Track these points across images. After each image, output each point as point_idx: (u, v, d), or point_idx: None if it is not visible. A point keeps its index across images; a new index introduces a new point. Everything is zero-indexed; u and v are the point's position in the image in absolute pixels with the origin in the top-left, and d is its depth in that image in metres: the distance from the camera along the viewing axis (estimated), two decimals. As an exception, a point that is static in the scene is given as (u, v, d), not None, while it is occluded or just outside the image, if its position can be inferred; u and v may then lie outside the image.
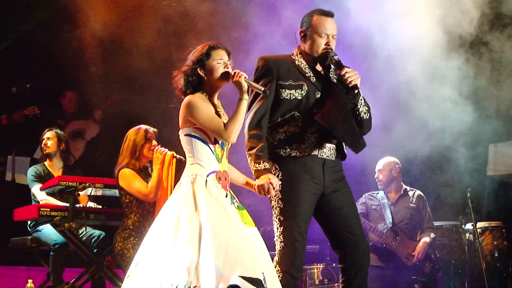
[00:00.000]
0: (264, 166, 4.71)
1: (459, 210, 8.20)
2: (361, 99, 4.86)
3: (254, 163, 4.74)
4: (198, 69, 4.57)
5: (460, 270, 7.86)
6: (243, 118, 4.55)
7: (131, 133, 6.35)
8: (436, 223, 8.03)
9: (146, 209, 6.15)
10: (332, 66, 4.94)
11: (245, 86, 4.54)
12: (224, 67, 4.59)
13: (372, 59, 7.87)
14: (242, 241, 4.31)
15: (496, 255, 7.89)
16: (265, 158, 4.74)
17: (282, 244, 4.77)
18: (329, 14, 4.92)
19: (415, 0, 7.72)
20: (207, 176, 4.44)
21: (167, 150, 5.95)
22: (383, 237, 7.61)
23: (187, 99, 4.51)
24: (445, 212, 8.58)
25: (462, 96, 8.36)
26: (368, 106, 4.90)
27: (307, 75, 4.90)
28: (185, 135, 4.52)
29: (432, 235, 7.74)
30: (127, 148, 6.30)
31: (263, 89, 4.68)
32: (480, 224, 7.97)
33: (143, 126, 6.36)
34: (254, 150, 4.76)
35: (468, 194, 7.82)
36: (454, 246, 7.97)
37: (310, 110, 4.83)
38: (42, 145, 7.54)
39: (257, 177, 4.72)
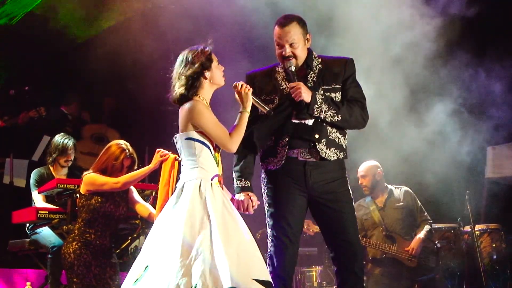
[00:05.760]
0: (245, 183, 4.88)
1: (458, 213, 8.17)
2: (319, 107, 4.79)
3: (237, 179, 4.90)
4: (205, 72, 4.60)
5: (458, 272, 7.86)
6: (244, 130, 4.62)
7: (114, 150, 6.26)
8: (435, 226, 8.04)
9: (94, 217, 6.14)
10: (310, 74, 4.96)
11: (250, 100, 4.63)
12: (222, 71, 4.69)
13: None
14: (251, 244, 4.39)
15: (495, 257, 7.91)
16: (248, 175, 4.89)
17: (270, 246, 4.87)
18: (279, 23, 4.90)
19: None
20: (211, 180, 4.49)
21: (170, 153, 5.87)
22: (380, 248, 7.65)
23: (191, 103, 4.53)
24: (443, 214, 8.58)
25: (460, 98, 8.40)
26: (335, 109, 4.82)
27: (281, 87, 4.92)
28: (186, 138, 4.54)
29: (427, 227, 7.76)
30: (104, 163, 6.23)
31: (267, 109, 4.75)
32: (478, 227, 7.99)
33: (126, 151, 6.26)
34: (238, 167, 4.91)
35: (467, 197, 7.83)
36: (452, 249, 7.99)
37: (280, 123, 4.88)
38: (68, 160, 7.50)
39: (238, 193, 4.85)
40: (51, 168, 7.54)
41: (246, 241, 4.38)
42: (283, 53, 4.87)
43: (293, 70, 4.85)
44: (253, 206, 4.81)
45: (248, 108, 4.64)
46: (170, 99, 4.69)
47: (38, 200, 7.17)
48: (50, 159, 7.50)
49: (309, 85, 4.87)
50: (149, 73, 8.88)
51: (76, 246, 6.08)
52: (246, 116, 4.62)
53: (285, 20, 4.89)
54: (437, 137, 8.68)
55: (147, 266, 4.31)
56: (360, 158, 8.00)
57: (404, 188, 7.98)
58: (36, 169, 7.59)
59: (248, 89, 4.65)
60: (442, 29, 8.31)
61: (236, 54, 8.33)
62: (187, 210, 4.36)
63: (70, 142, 7.51)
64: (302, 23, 4.93)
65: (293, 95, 4.77)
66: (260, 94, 4.90)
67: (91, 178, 6.14)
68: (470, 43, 8.58)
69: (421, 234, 7.70)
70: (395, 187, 8.01)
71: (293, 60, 4.86)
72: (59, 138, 7.53)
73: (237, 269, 4.19)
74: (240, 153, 4.87)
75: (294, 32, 4.86)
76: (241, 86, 4.66)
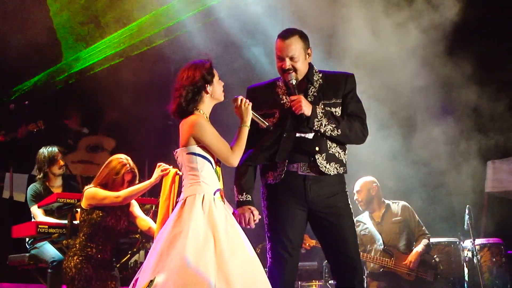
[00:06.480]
0: (246, 197, 4.86)
1: (458, 227, 8.18)
2: (319, 121, 4.79)
3: (238, 194, 4.88)
4: (207, 86, 4.60)
5: (458, 287, 7.80)
6: (245, 143, 4.62)
7: (115, 165, 6.26)
8: (435, 240, 8.01)
9: (95, 231, 6.14)
10: (310, 88, 4.94)
11: (250, 114, 4.63)
12: (222, 87, 4.70)
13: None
14: (255, 259, 4.40)
15: (495, 272, 7.83)
16: (249, 189, 4.88)
17: (270, 260, 4.84)
18: (280, 36, 4.90)
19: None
20: (214, 195, 4.49)
21: (171, 167, 5.85)
22: (377, 261, 7.64)
23: (193, 118, 4.53)
24: (443, 229, 8.56)
25: (460, 111, 8.41)
26: (335, 123, 4.82)
27: (282, 101, 4.90)
28: (188, 153, 4.53)
29: (425, 241, 7.75)
30: (104, 177, 6.23)
31: (267, 124, 4.75)
32: (478, 241, 7.90)
33: (127, 166, 6.26)
34: (239, 181, 4.90)
35: (467, 211, 7.76)
36: (452, 263, 7.92)
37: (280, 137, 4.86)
38: (61, 166, 7.55)
39: (239, 207, 4.84)
40: (46, 182, 7.53)
41: (250, 256, 4.38)
42: (283, 66, 4.86)
43: (294, 83, 4.83)
44: (254, 220, 4.80)
45: (248, 122, 4.63)
46: (170, 112, 4.68)
47: (38, 214, 7.16)
48: (42, 174, 7.51)
49: (309, 99, 4.86)
50: (150, 87, 8.97)
51: (77, 260, 6.08)
52: (246, 130, 4.62)
53: (287, 34, 4.88)
54: (437, 152, 8.70)
55: (152, 281, 4.28)
56: (358, 173, 8.00)
57: (402, 202, 7.98)
58: (31, 185, 7.57)
59: (248, 104, 4.65)
60: (442, 44, 8.35)
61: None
62: (190, 225, 4.34)
63: (55, 149, 7.55)
64: (304, 37, 4.92)
65: (293, 108, 4.76)
66: (260, 108, 4.87)
67: (92, 192, 6.13)
68: (470, 59, 8.59)
69: (418, 248, 7.70)
70: (393, 202, 8.00)
71: (293, 74, 4.85)
72: (43, 150, 7.55)
73: (243, 285, 4.20)
74: (240, 167, 4.84)
75: (295, 46, 4.85)
76: (241, 100, 4.65)
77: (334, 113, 4.87)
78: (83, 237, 6.15)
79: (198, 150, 4.52)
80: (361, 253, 7.46)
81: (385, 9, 8.37)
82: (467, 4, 8.41)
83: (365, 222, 7.95)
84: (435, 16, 8.48)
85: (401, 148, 8.42)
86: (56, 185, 7.59)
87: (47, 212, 7.12)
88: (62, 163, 7.58)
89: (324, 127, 4.79)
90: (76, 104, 9.88)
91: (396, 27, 8.32)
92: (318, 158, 4.79)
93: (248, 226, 4.79)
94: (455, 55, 8.54)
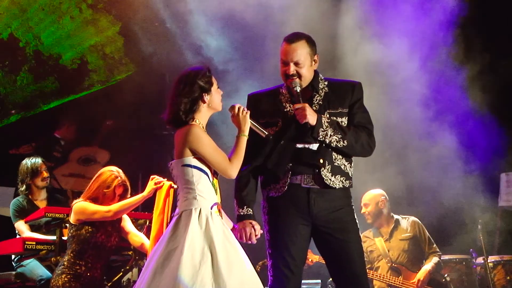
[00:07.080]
0: (247, 211, 4.76)
1: (470, 243, 8.08)
2: (324, 131, 4.64)
3: (238, 207, 4.79)
4: (204, 95, 4.47)
5: (471, 306, 7.76)
6: (243, 154, 4.52)
7: (106, 177, 6.13)
8: (446, 257, 7.90)
9: (84, 248, 6.01)
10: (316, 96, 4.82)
11: (248, 123, 4.54)
12: (220, 96, 4.61)
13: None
14: (254, 275, 4.33)
15: (509, 290, 7.81)
16: (250, 203, 4.78)
17: (271, 278, 4.73)
18: (287, 39, 4.78)
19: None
20: (211, 209, 4.38)
21: (165, 180, 5.77)
22: (385, 280, 7.53)
23: (188, 128, 4.43)
24: (455, 245, 8.47)
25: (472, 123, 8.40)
26: (341, 134, 4.67)
27: (285, 109, 4.78)
28: (183, 165, 4.42)
29: (436, 259, 7.62)
30: (95, 191, 6.11)
31: (266, 133, 4.64)
32: (492, 258, 7.82)
33: (119, 178, 6.13)
34: (239, 194, 4.81)
35: (479, 226, 7.73)
36: (464, 282, 7.83)
37: (282, 148, 4.75)
38: (44, 178, 7.45)
39: (239, 221, 4.77)
40: (29, 195, 7.44)
41: (249, 272, 4.28)
42: (287, 71, 4.72)
43: (298, 90, 4.69)
44: (256, 235, 4.69)
45: (246, 132, 4.52)
46: (165, 121, 4.56)
47: (24, 230, 7.04)
48: (24, 186, 7.43)
49: (314, 108, 4.71)
50: (144, 96, 8.89)
51: (66, 279, 5.93)
52: (244, 140, 4.50)
53: (293, 37, 4.75)
54: (449, 165, 8.64)
55: None
56: (366, 186, 7.90)
57: (412, 218, 7.86)
58: (14, 200, 7.47)
59: (246, 112, 4.54)
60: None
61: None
62: (186, 241, 4.22)
63: (38, 160, 7.49)
64: (311, 42, 4.78)
65: (297, 117, 4.61)
66: (262, 116, 4.75)
67: (81, 206, 5.99)
68: (479, 68, 8.58)
69: (428, 266, 7.56)
70: (402, 217, 7.89)
71: (298, 80, 4.71)
72: (26, 161, 7.50)
73: None
74: (241, 179, 4.74)
75: (301, 50, 4.71)
76: (238, 109, 4.54)
77: (340, 123, 4.74)
78: (72, 254, 6.01)
79: (194, 162, 4.39)
80: (368, 271, 7.28)
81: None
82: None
83: (372, 238, 7.83)
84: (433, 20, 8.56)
85: (411, 160, 8.43)
86: (40, 198, 7.50)
87: (33, 228, 7.01)
88: (45, 174, 7.48)
89: (329, 137, 4.64)
90: (68, 113, 9.76)
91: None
92: (322, 170, 4.65)
93: (249, 242, 4.69)
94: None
